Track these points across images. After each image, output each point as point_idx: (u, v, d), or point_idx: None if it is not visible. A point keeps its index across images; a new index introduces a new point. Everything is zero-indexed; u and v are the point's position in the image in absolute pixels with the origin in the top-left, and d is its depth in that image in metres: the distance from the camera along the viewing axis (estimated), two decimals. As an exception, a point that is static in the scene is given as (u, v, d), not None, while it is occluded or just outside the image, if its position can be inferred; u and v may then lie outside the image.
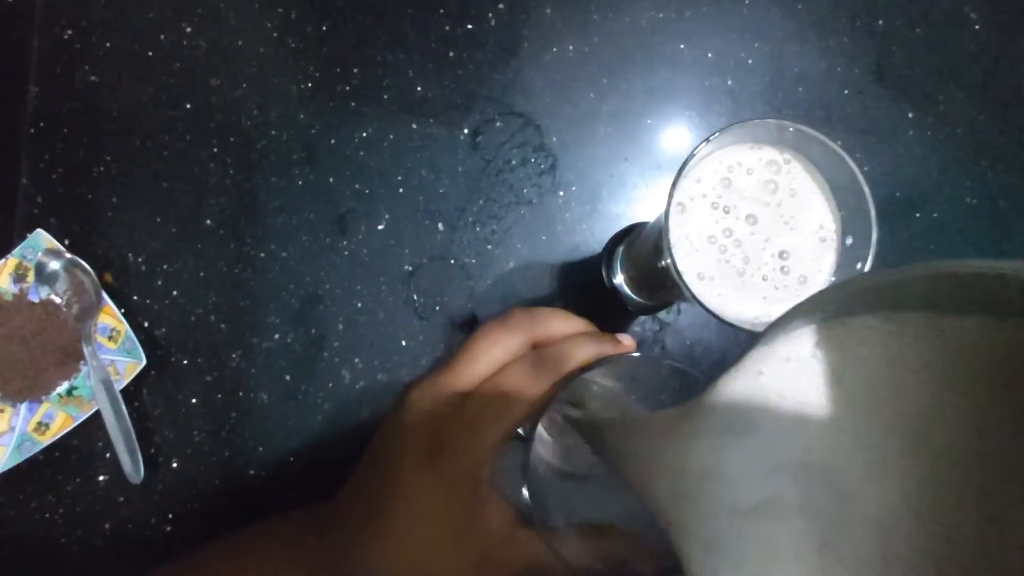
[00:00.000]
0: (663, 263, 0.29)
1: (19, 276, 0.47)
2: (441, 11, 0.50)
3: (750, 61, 0.51)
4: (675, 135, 0.51)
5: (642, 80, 0.51)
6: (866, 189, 0.29)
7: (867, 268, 0.28)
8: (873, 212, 0.29)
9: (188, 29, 0.49)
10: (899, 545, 0.17)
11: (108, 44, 0.49)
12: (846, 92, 0.52)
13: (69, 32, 0.49)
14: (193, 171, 0.49)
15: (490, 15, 0.51)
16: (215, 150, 0.49)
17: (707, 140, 0.29)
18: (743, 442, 0.20)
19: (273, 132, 0.49)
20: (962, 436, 0.17)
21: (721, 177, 0.30)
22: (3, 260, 0.46)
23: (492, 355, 0.28)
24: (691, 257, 0.30)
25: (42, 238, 0.46)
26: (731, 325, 0.28)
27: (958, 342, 0.16)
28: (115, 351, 0.46)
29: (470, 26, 0.50)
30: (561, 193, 0.50)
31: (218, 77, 0.49)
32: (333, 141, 0.49)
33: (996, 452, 0.16)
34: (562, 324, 0.29)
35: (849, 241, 0.30)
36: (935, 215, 0.51)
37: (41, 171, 0.48)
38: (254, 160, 0.49)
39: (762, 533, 0.19)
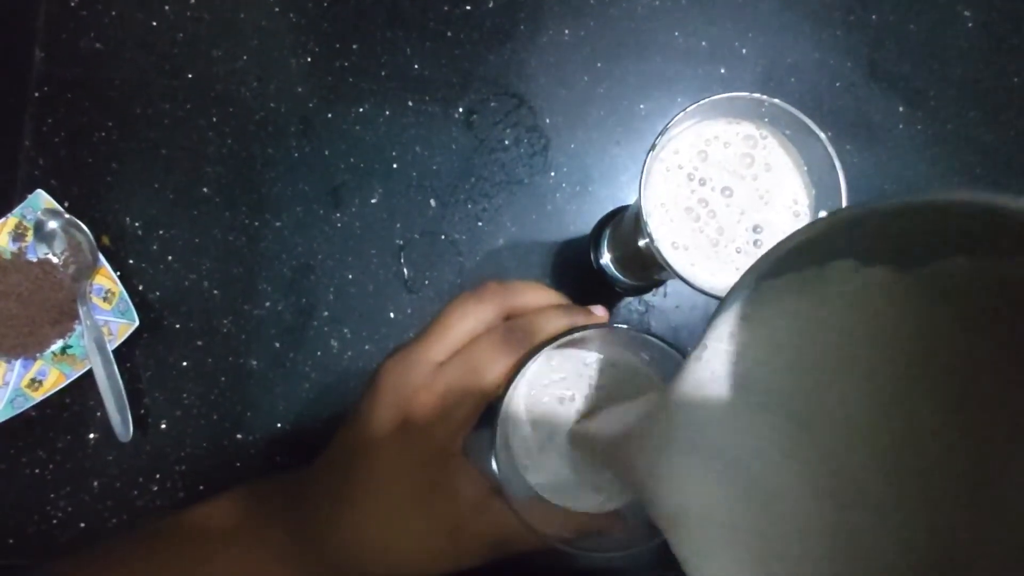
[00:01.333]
0: (643, 241, 0.30)
1: (18, 235, 0.48)
2: (441, -9, 0.51)
3: (744, 51, 0.52)
4: (667, 121, 0.51)
5: (636, 66, 0.52)
6: (838, 165, 0.29)
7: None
8: (844, 189, 0.29)
9: (192, 0, 0.50)
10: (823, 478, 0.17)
11: (113, 12, 0.50)
12: (838, 85, 0.52)
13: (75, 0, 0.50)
14: (192, 139, 0.49)
15: (489, -3, 0.51)
16: (214, 120, 0.50)
17: (684, 111, 0.30)
18: (702, 430, 0.19)
19: (272, 104, 0.50)
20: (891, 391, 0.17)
21: (698, 149, 0.31)
22: (3, 219, 0.47)
23: (464, 326, 0.29)
24: (666, 226, 0.31)
25: (41, 198, 0.47)
26: (702, 292, 0.29)
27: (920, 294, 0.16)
28: (109, 312, 0.47)
29: (468, 7, 0.51)
30: (552, 174, 0.51)
31: (219, 49, 0.50)
32: (330, 115, 0.50)
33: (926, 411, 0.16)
34: (534, 296, 0.30)
35: (822, 217, 0.30)
36: (922, 209, 0.52)
37: (44, 134, 0.49)
38: (252, 131, 0.50)
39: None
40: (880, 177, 0.52)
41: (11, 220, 0.47)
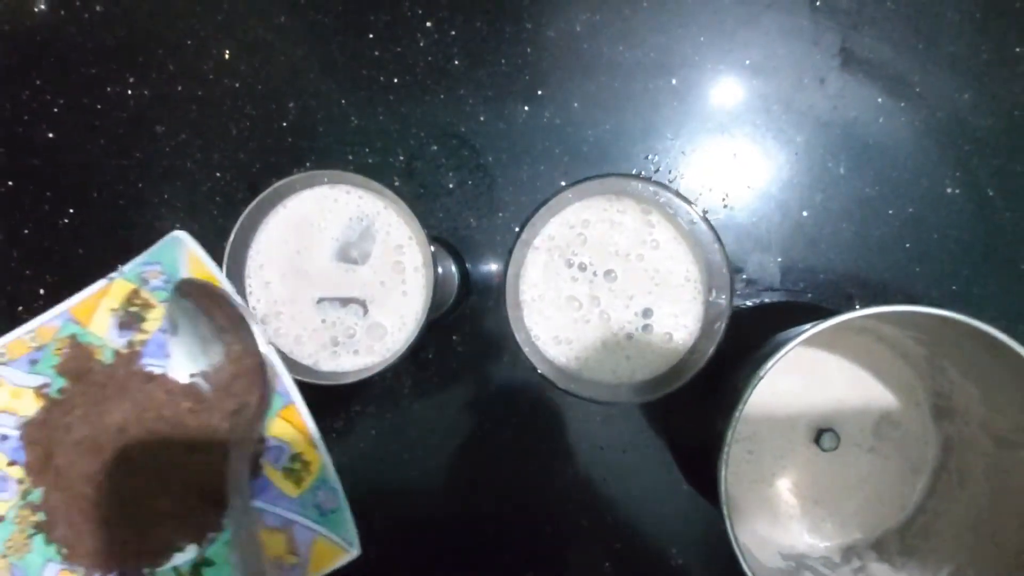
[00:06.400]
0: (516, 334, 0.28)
1: (130, 317, 0.27)
2: (370, 35, 0.50)
3: (696, 57, 0.48)
4: (618, 146, 0.48)
5: (580, 88, 0.48)
6: (720, 243, 0.27)
7: (725, 323, 0.26)
8: (727, 266, 0.27)
9: (131, 79, 0.51)
10: None
11: (61, 100, 0.51)
12: (805, 81, 0.48)
13: (26, 92, 0.51)
14: (146, 218, 0.51)
15: (418, 35, 0.49)
16: (165, 196, 0.51)
17: (557, 194, 0.28)
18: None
19: (217, 174, 0.50)
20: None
21: (577, 232, 0.29)
22: (100, 285, 0.28)
23: None
24: (545, 320, 0.29)
25: (183, 245, 0.28)
26: (581, 398, 0.27)
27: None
28: (295, 503, 0.26)
29: (398, 48, 0.49)
30: (500, 214, 0.49)
31: (162, 124, 0.51)
32: (274, 178, 0.50)
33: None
34: None
35: (714, 295, 0.28)
36: (910, 210, 0.47)
37: (13, 227, 0.51)
38: (201, 203, 0.50)
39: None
40: (859, 181, 0.47)
41: (119, 285, 0.27)
